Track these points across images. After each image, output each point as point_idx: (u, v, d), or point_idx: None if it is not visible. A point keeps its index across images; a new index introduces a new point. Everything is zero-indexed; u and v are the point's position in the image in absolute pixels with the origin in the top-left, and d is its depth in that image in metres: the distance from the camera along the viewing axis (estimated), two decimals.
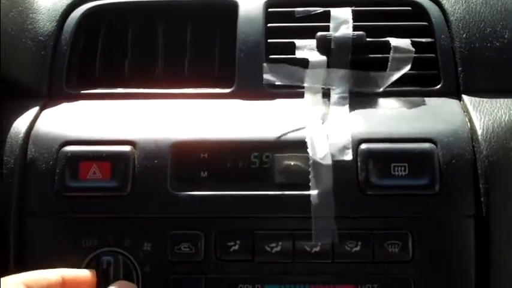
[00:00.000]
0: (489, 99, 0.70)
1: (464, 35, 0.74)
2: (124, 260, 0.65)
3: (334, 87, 0.72)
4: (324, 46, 0.74)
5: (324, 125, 0.68)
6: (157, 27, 0.79)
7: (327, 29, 0.75)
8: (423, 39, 0.75)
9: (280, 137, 0.67)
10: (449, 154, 0.65)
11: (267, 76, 0.72)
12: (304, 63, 0.73)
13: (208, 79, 0.76)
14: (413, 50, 0.72)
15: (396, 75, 0.71)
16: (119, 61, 0.78)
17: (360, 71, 0.73)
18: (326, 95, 0.72)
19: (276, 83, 0.72)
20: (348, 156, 0.65)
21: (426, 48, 0.75)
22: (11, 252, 0.66)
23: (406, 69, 0.71)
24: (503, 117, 0.68)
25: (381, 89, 0.72)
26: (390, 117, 0.69)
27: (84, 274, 0.62)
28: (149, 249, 0.65)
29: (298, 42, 0.75)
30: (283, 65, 0.73)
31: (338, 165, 0.65)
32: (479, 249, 0.65)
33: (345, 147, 0.65)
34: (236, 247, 0.65)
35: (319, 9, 0.77)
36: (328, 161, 0.65)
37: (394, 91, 0.72)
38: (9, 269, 0.66)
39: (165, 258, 0.65)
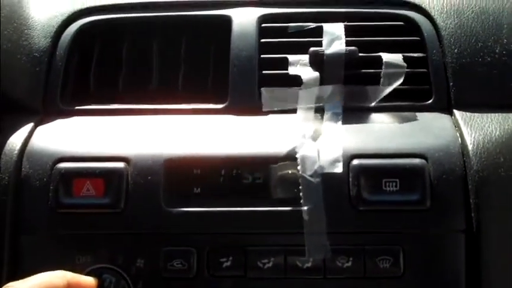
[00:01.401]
0: (480, 114, 0.71)
1: (456, 50, 0.75)
2: (118, 277, 0.65)
3: (327, 103, 0.73)
4: (316, 61, 0.74)
5: (315, 141, 0.68)
6: (151, 43, 0.80)
7: (319, 44, 0.76)
8: (415, 54, 0.76)
9: (272, 153, 0.68)
10: (440, 169, 0.66)
11: (265, 102, 0.73)
12: (297, 78, 0.73)
13: (202, 94, 0.76)
14: (405, 65, 0.73)
15: (388, 89, 0.72)
16: (113, 77, 0.79)
17: (352, 85, 0.74)
18: (319, 110, 0.72)
19: (274, 109, 0.73)
20: (338, 169, 0.65)
21: (418, 63, 0.75)
22: (4, 268, 0.66)
23: (398, 83, 0.72)
24: (494, 132, 0.68)
25: (373, 103, 0.72)
26: (382, 133, 0.69)
27: (87, 281, 0.63)
28: (142, 265, 0.65)
29: (291, 57, 0.75)
30: (277, 89, 0.73)
31: (329, 181, 0.66)
32: (470, 264, 0.65)
33: (335, 161, 0.66)
34: (228, 263, 0.65)
35: (312, 25, 0.78)
36: (318, 178, 0.65)
37: (386, 106, 0.73)
38: (2, 285, 0.66)
39: (158, 275, 0.65)
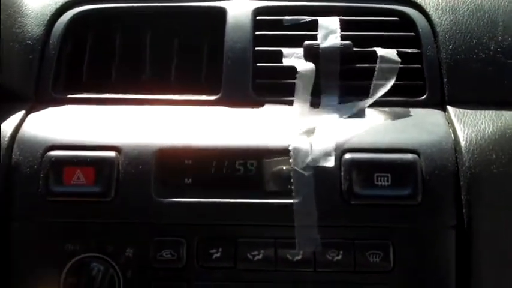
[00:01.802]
0: (473, 111, 0.71)
1: (451, 46, 0.75)
2: (106, 266, 0.64)
3: (322, 97, 0.73)
4: (311, 55, 0.74)
5: (308, 135, 0.68)
6: (145, 34, 0.80)
7: (314, 38, 0.76)
8: (409, 50, 0.75)
9: (265, 145, 0.67)
10: (432, 165, 0.66)
11: (256, 95, 0.73)
12: (292, 71, 0.73)
13: (194, 86, 0.76)
14: (399, 60, 0.73)
15: (384, 89, 0.71)
16: (106, 67, 0.78)
17: (348, 81, 0.74)
18: (313, 103, 0.72)
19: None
20: (330, 163, 0.65)
21: (412, 59, 0.75)
22: None
23: (392, 81, 0.72)
24: (487, 129, 0.68)
25: (370, 103, 0.72)
26: (374, 128, 0.69)
27: None
28: (131, 255, 0.65)
29: (285, 50, 0.75)
30: (272, 82, 0.73)
31: (321, 174, 0.65)
32: (460, 260, 0.65)
33: (327, 154, 0.66)
34: (218, 254, 0.65)
35: (307, 18, 0.78)
36: (310, 171, 0.65)
37: (379, 101, 0.72)
38: None
39: (147, 264, 0.65)
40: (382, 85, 0.71)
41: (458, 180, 0.66)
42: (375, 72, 0.72)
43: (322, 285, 0.65)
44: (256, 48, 0.76)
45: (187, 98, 0.74)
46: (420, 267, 0.64)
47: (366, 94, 0.72)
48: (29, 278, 0.66)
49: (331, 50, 0.74)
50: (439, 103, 0.73)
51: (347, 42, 0.75)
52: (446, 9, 0.78)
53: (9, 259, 0.66)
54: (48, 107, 0.74)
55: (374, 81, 0.72)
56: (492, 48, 0.75)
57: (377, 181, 0.65)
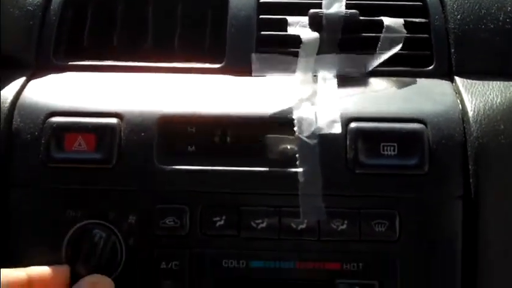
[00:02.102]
0: (481, 82, 0.70)
1: (459, 16, 0.74)
2: (109, 232, 0.64)
3: (324, 67, 0.72)
4: (315, 23, 0.73)
5: (312, 103, 0.67)
6: (147, 0, 0.78)
7: (319, 6, 0.74)
8: (417, 19, 0.74)
9: (268, 113, 0.66)
10: (440, 135, 0.65)
11: (255, 67, 0.72)
12: (296, 40, 0.72)
13: (198, 54, 0.75)
14: (405, 31, 0.71)
15: (384, 57, 0.71)
16: (108, 34, 0.77)
17: (349, 53, 0.73)
18: (316, 73, 0.71)
19: (266, 75, 0.72)
20: (337, 129, 0.64)
21: (420, 29, 0.74)
22: None
23: (396, 50, 0.71)
24: (495, 99, 0.67)
25: (367, 71, 0.71)
26: (380, 97, 0.68)
27: (53, 273, 0.61)
28: (134, 222, 0.64)
29: (290, 18, 0.74)
30: (272, 55, 0.72)
31: (326, 143, 0.64)
32: (467, 230, 0.64)
33: (333, 122, 0.65)
34: (222, 222, 0.64)
35: None
36: (315, 140, 0.64)
37: (386, 71, 0.72)
38: None
39: (150, 232, 0.64)
40: (381, 55, 0.70)
41: (466, 151, 0.65)
42: (380, 41, 0.71)
43: (326, 254, 0.64)
44: (260, 16, 0.75)
45: (191, 66, 0.73)
46: (426, 238, 0.64)
47: (365, 66, 0.72)
48: (29, 246, 0.65)
49: (336, 19, 0.73)
50: (446, 73, 0.72)
51: (353, 10, 0.74)
52: None
53: (8, 226, 0.65)
54: (49, 73, 0.72)
55: (378, 50, 0.71)
56: (501, 18, 0.74)
57: (383, 150, 0.64)
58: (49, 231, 0.65)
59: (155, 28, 0.77)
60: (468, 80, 0.70)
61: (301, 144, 0.64)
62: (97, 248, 0.63)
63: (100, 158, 0.65)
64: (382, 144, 0.64)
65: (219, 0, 0.77)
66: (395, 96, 0.69)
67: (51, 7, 0.76)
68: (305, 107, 0.66)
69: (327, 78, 0.70)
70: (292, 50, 0.72)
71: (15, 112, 0.68)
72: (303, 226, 0.64)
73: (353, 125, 0.65)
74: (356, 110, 0.66)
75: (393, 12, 0.74)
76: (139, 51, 0.76)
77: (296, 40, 0.72)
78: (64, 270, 0.62)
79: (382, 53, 0.71)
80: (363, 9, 0.74)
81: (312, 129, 0.65)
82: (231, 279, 0.65)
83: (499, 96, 0.68)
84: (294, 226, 0.64)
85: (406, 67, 0.73)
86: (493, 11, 0.74)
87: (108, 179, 0.65)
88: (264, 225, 0.64)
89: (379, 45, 0.71)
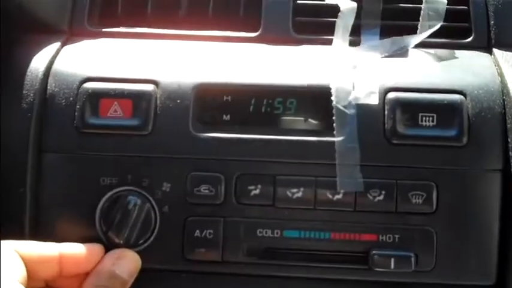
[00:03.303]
0: None
1: None
2: (143, 199, 0.63)
3: (362, 37, 0.71)
4: None
5: (350, 73, 0.66)
6: None
7: None
8: None
9: (305, 83, 0.66)
10: (479, 107, 0.64)
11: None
12: (332, 9, 0.71)
13: (232, 22, 0.74)
14: (445, 1, 0.70)
15: (431, 30, 0.69)
16: (141, 1, 0.76)
17: (390, 21, 0.72)
18: (355, 42, 0.70)
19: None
20: (374, 100, 0.63)
21: (459, 0, 0.73)
22: (27, 187, 0.65)
23: (440, 22, 0.69)
24: None
25: (415, 43, 0.70)
26: (419, 68, 0.67)
27: (85, 251, 0.61)
28: (168, 190, 0.64)
29: None
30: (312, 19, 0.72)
31: (364, 113, 0.64)
32: (504, 204, 0.63)
33: (371, 92, 0.64)
34: (257, 191, 0.64)
35: None
36: (352, 110, 0.64)
37: (424, 42, 0.70)
38: (25, 205, 0.65)
39: (184, 200, 0.64)
40: (428, 26, 0.69)
41: (505, 123, 0.64)
42: (422, 12, 0.70)
43: (362, 225, 0.63)
44: None
45: (226, 34, 0.73)
46: (463, 210, 0.63)
47: (407, 34, 0.70)
48: (61, 214, 0.65)
49: None
50: (485, 46, 0.71)
51: None
52: None
53: (41, 192, 0.65)
54: (83, 39, 0.72)
55: (421, 22, 0.69)
56: None
57: (422, 121, 0.63)
58: (82, 199, 0.64)
59: None
60: (507, 52, 0.69)
61: (339, 113, 0.64)
62: (130, 215, 0.63)
63: (136, 125, 0.64)
64: (420, 114, 0.63)
65: None
66: (434, 67, 0.67)
67: None
68: (343, 76, 0.65)
69: (366, 48, 0.69)
70: (329, 19, 0.71)
71: (50, 78, 0.67)
72: (339, 197, 0.63)
73: (391, 95, 0.64)
74: (394, 80, 0.65)
75: None
76: (172, 19, 0.75)
77: (333, 9, 0.71)
78: (97, 249, 0.62)
79: (431, 23, 0.69)
80: None
81: (350, 98, 0.64)
82: (265, 248, 0.64)
83: None
84: (330, 197, 0.63)
85: (444, 38, 0.71)
86: None
87: (143, 146, 0.64)
88: (299, 195, 0.63)
89: (421, 15, 0.70)
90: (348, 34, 0.70)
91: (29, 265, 0.55)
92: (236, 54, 0.70)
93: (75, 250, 0.60)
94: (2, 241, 0.56)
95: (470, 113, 0.64)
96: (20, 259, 0.55)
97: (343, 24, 0.70)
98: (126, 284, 0.60)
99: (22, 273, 0.54)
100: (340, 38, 0.69)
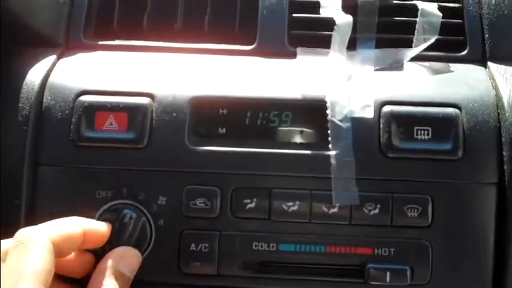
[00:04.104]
0: None
1: (493, 1, 0.73)
2: (139, 213, 0.63)
3: (358, 50, 0.71)
4: (349, 6, 0.72)
5: (346, 86, 0.66)
6: None
7: None
8: (451, 4, 0.74)
9: (300, 96, 0.66)
10: (474, 120, 0.64)
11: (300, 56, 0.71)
12: (328, 22, 0.71)
13: (228, 36, 0.74)
14: (441, 14, 0.71)
15: (426, 44, 0.69)
16: (137, 14, 0.76)
17: (385, 34, 0.72)
18: (350, 56, 0.70)
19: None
20: (369, 113, 0.64)
21: (453, 14, 0.73)
22: (22, 200, 0.65)
23: (435, 36, 0.69)
24: None
25: (410, 56, 0.70)
26: (414, 81, 0.68)
27: (103, 228, 0.61)
28: (164, 203, 0.64)
29: (322, 1, 0.73)
30: (313, 49, 0.71)
31: (359, 126, 0.64)
32: (500, 218, 0.63)
33: (366, 106, 0.64)
34: (252, 205, 0.64)
35: None
36: (348, 123, 0.64)
37: (419, 55, 0.70)
38: (20, 217, 0.65)
39: (179, 213, 0.64)
40: (424, 39, 0.69)
41: (500, 137, 0.64)
42: (417, 26, 0.70)
43: (358, 239, 0.63)
44: None
45: (222, 47, 0.73)
46: (458, 224, 0.63)
47: (403, 48, 0.70)
48: None
49: (370, 2, 0.72)
50: (480, 59, 0.72)
51: None
52: None
53: (36, 205, 0.65)
54: (79, 52, 0.72)
55: (416, 35, 0.70)
56: None
57: (417, 134, 0.63)
58: (77, 212, 0.64)
59: (185, 8, 0.76)
60: (502, 66, 0.70)
61: (334, 127, 0.64)
62: (126, 228, 0.63)
63: (132, 138, 0.64)
64: (416, 128, 0.64)
65: None
66: (429, 80, 0.68)
67: None
68: (338, 90, 0.65)
69: (362, 61, 0.69)
70: (325, 33, 0.71)
71: (46, 91, 0.67)
72: (335, 210, 0.63)
73: (387, 108, 0.64)
74: (390, 93, 0.66)
75: None
76: (168, 32, 0.75)
77: (328, 23, 0.71)
78: (108, 227, 0.62)
79: (426, 37, 0.70)
80: None
81: (345, 112, 0.64)
82: (261, 262, 0.64)
83: None
84: (326, 210, 0.63)
85: (439, 52, 0.72)
86: None
87: (138, 159, 0.64)
88: (295, 208, 0.63)
89: (416, 28, 0.70)
90: (345, 47, 0.70)
91: (56, 245, 0.55)
92: (232, 67, 0.70)
93: (95, 226, 0.60)
94: (31, 231, 0.55)
95: (466, 126, 0.64)
96: (52, 252, 0.54)
97: (340, 38, 0.70)
98: (129, 281, 0.60)
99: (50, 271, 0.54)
100: (337, 51, 0.70)
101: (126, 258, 0.60)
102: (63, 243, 0.56)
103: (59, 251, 0.55)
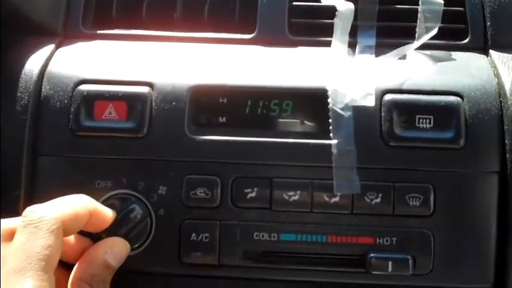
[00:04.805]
0: None
1: None
2: (138, 203, 0.63)
3: (359, 39, 0.70)
4: None
5: (347, 75, 0.66)
6: None
7: None
8: None
9: (301, 84, 0.65)
10: (476, 108, 0.64)
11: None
12: (328, 10, 0.70)
13: (227, 24, 0.74)
14: (442, 2, 0.70)
15: (430, 34, 0.69)
16: (136, 3, 0.76)
17: (386, 22, 0.72)
18: (352, 44, 0.70)
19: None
20: (370, 102, 0.63)
21: (455, 2, 0.73)
22: (21, 190, 0.64)
23: (438, 25, 0.69)
24: None
25: (415, 47, 0.69)
26: (416, 70, 0.67)
27: (109, 213, 0.61)
28: (164, 193, 0.63)
29: None
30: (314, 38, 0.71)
31: (361, 115, 0.63)
32: (502, 206, 0.63)
33: (367, 94, 0.63)
34: (253, 194, 0.63)
35: None
36: (349, 112, 0.63)
37: (421, 44, 0.70)
38: (19, 207, 0.64)
39: (180, 203, 0.63)
40: (426, 27, 0.69)
41: (502, 125, 0.63)
42: (419, 14, 0.69)
43: (359, 228, 0.63)
44: None
45: (221, 36, 0.72)
46: (460, 213, 0.63)
47: (404, 36, 0.70)
48: None
49: None
50: (481, 47, 0.71)
51: None
52: None
53: (36, 195, 0.65)
54: (77, 42, 0.72)
55: (418, 24, 0.69)
56: None
57: (419, 123, 0.63)
58: None
59: None
60: (504, 54, 0.69)
61: (335, 115, 0.63)
62: (126, 218, 0.62)
63: (131, 127, 0.64)
64: (417, 116, 0.63)
65: None
66: (431, 69, 0.67)
67: None
68: (339, 78, 0.65)
69: (363, 49, 0.69)
70: (325, 21, 0.71)
71: (44, 80, 0.67)
72: (336, 199, 0.63)
73: (388, 96, 0.64)
74: (391, 82, 0.65)
75: None
76: (168, 21, 0.75)
77: (329, 11, 0.70)
78: (112, 212, 0.61)
79: (428, 25, 0.69)
80: None
81: (346, 101, 0.64)
82: (262, 251, 0.64)
83: None
84: (327, 199, 0.63)
85: (440, 40, 0.71)
86: None
87: (138, 148, 0.64)
88: (296, 197, 0.63)
89: (419, 17, 0.69)
90: (347, 35, 0.69)
91: (63, 224, 0.54)
92: (232, 56, 0.69)
93: (101, 209, 0.60)
94: (39, 210, 0.54)
95: (467, 114, 0.63)
96: (61, 235, 0.54)
97: (342, 25, 0.69)
98: (114, 271, 0.59)
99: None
100: (339, 39, 0.69)
101: (115, 249, 0.60)
102: (69, 222, 0.55)
103: (64, 230, 0.54)
